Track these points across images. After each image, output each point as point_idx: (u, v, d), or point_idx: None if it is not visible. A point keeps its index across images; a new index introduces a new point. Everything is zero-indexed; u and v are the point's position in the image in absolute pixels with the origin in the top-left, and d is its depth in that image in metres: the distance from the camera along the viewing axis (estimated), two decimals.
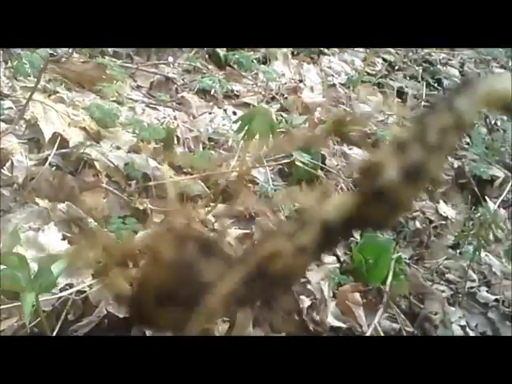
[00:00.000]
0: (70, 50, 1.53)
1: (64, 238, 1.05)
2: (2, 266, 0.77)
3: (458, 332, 1.27)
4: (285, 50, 2.09)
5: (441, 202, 1.69)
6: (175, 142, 1.39)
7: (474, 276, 1.44)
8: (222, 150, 1.46)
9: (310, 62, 2.17)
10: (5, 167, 1.15)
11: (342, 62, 2.26)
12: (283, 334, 1.07)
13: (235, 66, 1.92)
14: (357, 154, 1.61)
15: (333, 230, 0.29)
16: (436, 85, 2.36)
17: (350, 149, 1.63)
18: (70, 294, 0.98)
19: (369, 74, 2.23)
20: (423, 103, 2.13)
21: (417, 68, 2.50)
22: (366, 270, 1.25)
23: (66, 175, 1.17)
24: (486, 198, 1.73)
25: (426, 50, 2.59)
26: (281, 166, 1.46)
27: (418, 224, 1.56)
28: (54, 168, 1.19)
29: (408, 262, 1.43)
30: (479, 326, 1.30)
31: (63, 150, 1.22)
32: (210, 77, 1.73)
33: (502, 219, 1.63)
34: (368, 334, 1.13)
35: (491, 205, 1.67)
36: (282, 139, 1.39)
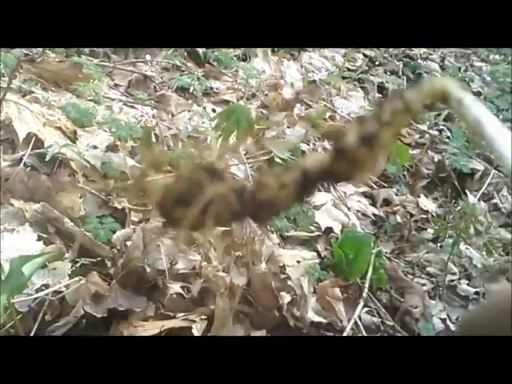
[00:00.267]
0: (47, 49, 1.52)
1: (39, 239, 1.04)
2: None
3: (438, 325, 1.27)
4: None
5: (421, 195, 1.70)
6: (153, 140, 1.38)
7: (455, 269, 1.44)
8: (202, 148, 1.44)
9: (290, 59, 2.17)
10: None
11: (322, 58, 2.26)
12: (263, 331, 1.07)
13: (215, 64, 1.92)
14: None
15: (310, 175, 0.39)
16: (417, 80, 2.37)
17: (331, 144, 1.63)
18: (47, 294, 0.97)
19: (349, 69, 2.24)
20: None
21: (397, 63, 2.51)
22: (346, 265, 1.26)
23: (41, 175, 1.16)
24: (467, 191, 1.74)
25: None
26: (260, 163, 1.46)
27: (398, 218, 1.56)
28: (28, 168, 1.18)
29: (389, 256, 1.44)
30: (460, 319, 1.30)
31: (38, 151, 1.21)
32: (188, 75, 1.72)
33: (482, 212, 1.64)
34: (348, 329, 1.14)
35: (471, 198, 1.68)
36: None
